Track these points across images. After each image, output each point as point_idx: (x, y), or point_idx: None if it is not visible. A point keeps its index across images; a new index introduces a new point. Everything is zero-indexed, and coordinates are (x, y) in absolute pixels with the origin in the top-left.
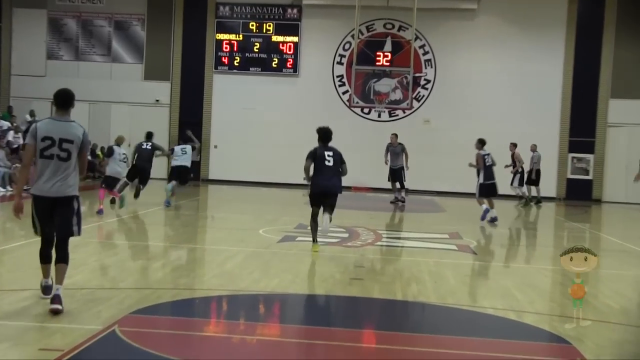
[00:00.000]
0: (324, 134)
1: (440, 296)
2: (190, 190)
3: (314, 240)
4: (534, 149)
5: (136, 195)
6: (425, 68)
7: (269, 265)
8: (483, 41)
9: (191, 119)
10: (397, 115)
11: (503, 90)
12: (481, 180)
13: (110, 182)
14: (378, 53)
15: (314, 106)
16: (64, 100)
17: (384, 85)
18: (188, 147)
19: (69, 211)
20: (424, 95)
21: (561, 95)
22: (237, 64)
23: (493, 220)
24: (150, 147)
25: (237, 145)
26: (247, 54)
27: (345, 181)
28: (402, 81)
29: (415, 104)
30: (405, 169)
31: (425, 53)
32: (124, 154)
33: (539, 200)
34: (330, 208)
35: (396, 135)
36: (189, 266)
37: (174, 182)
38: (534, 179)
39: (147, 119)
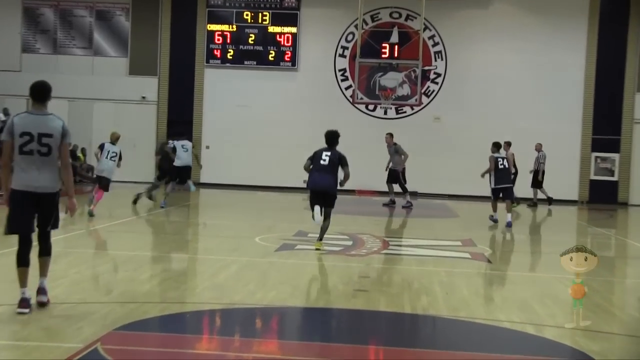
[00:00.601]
0: (328, 137)
1: (452, 308)
2: (179, 194)
3: (320, 238)
4: (539, 148)
5: (165, 194)
6: (435, 61)
7: (265, 276)
8: (498, 31)
9: (181, 118)
10: (405, 112)
11: (520, 85)
12: (492, 185)
13: (100, 182)
14: (384, 45)
15: (315, 103)
16: (40, 93)
17: (390, 79)
18: (188, 144)
19: (54, 206)
20: (434, 90)
21: (583, 89)
22: (231, 58)
23: (494, 220)
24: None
25: (230, 145)
26: (241, 47)
27: (350, 184)
28: (410, 75)
29: (425, 99)
30: (397, 170)
31: (435, 44)
32: (114, 152)
33: (550, 201)
34: (327, 208)
35: (391, 135)
36: (179, 278)
37: (173, 184)
38: (540, 180)
39: (132, 117)
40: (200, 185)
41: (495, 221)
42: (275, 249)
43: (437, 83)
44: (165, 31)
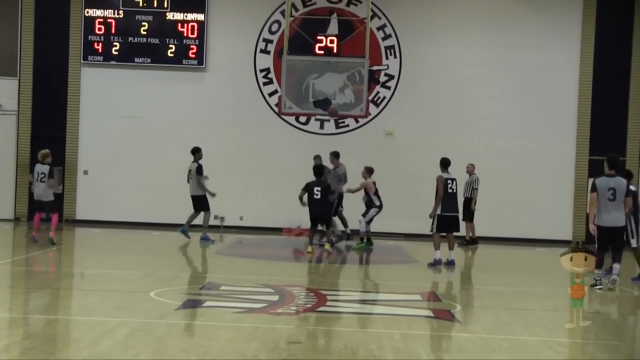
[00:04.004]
0: (316, 170)
1: None
2: (48, 236)
3: (310, 244)
4: (471, 170)
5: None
6: (387, 58)
7: (164, 342)
8: (468, 21)
9: (50, 132)
10: (347, 125)
11: (496, 90)
12: (439, 211)
13: (42, 208)
14: (319, 37)
15: (228, 113)
16: None
17: (328, 83)
18: (193, 167)
19: None
20: (384, 97)
21: (577, 96)
22: (116, 53)
23: (450, 263)
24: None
25: (116, 170)
26: (130, 39)
27: (276, 222)
28: (354, 77)
29: (373, 109)
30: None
31: (387, 37)
32: (42, 172)
33: (474, 240)
34: (326, 225)
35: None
36: (47, 347)
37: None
38: (473, 210)
39: None
40: (75, 222)
41: (439, 263)
42: (177, 306)
43: (388, 88)
44: (27, 17)
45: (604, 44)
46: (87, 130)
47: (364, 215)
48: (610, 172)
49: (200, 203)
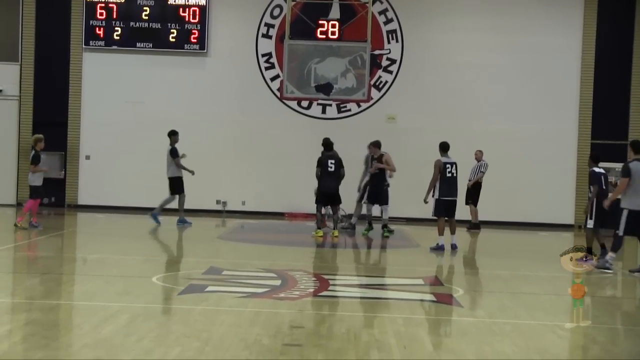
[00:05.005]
0: (326, 144)
1: None
2: (50, 221)
3: (318, 228)
4: (479, 156)
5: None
6: (389, 43)
7: (166, 328)
8: (470, 5)
9: (51, 118)
10: (349, 109)
11: (498, 75)
12: (437, 195)
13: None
14: (321, 22)
15: (230, 98)
16: None
17: (329, 67)
18: (168, 150)
19: None
20: (386, 82)
21: (579, 80)
22: (118, 38)
23: (452, 247)
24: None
25: (118, 155)
26: (132, 23)
27: (278, 206)
28: (356, 62)
29: (375, 93)
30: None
31: (389, 21)
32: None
33: (476, 225)
34: (334, 206)
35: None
36: (49, 332)
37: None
38: (473, 192)
39: None
40: (77, 208)
41: (442, 249)
42: (179, 291)
43: (390, 72)
44: (28, 2)
45: (606, 28)
46: (88, 116)
47: (385, 202)
48: (637, 156)
49: (175, 185)
